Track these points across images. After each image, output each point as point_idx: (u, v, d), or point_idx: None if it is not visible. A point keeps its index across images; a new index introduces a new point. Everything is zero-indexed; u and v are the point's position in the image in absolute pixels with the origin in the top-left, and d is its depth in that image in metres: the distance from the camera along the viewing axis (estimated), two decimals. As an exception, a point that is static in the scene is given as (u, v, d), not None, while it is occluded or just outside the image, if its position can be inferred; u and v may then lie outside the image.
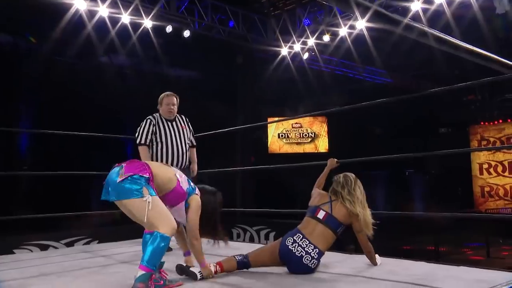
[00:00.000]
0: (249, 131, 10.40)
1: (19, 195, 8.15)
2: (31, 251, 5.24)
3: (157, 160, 3.66)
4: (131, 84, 9.24)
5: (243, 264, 2.62)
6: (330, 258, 2.97)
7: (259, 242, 7.03)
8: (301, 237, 2.60)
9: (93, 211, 6.49)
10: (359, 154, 4.04)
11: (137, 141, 3.68)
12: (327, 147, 12.25)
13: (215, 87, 9.84)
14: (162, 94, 3.76)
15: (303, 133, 12.41)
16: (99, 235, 4.77)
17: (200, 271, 2.46)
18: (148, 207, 2.15)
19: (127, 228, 4.16)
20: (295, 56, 9.04)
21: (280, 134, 12.38)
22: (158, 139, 3.67)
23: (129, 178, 2.19)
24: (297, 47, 8.73)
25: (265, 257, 2.66)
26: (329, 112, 10.07)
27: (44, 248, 5.13)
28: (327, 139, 12.31)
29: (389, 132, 11.45)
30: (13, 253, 4.65)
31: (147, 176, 2.24)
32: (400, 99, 3.79)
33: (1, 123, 5.69)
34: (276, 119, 10.84)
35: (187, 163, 3.78)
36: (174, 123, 3.75)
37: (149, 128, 3.68)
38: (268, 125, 12.07)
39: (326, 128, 12.34)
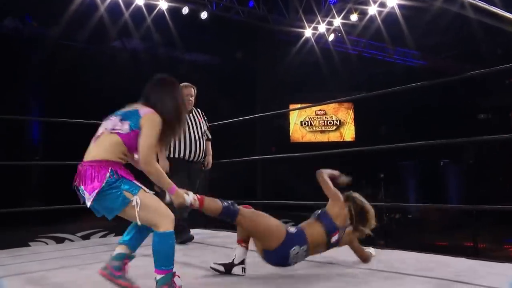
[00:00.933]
0: (269, 119, 10.39)
1: (31, 186, 8.39)
2: (47, 243, 5.41)
3: (173, 153, 3.80)
4: (144, 69, 9.34)
5: (228, 212, 2.40)
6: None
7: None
8: (305, 249, 2.48)
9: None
10: (388, 142, 4.01)
11: None
12: (354, 136, 12.17)
13: (233, 72, 9.85)
14: (181, 85, 3.81)
15: (327, 121, 12.34)
16: (115, 228, 4.90)
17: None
18: (136, 209, 2.02)
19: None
20: (320, 38, 8.95)
21: (303, 122, 12.34)
22: None
23: (100, 194, 2.01)
24: (322, 27, 8.65)
25: (260, 228, 2.43)
26: (356, 98, 9.97)
27: (60, 241, 5.28)
28: (353, 127, 12.21)
29: (422, 118, 11.28)
30: (29, 245, 4.82)
31: (108, 174, 2.02)
32: (435, 83, 3.75)
33: (10, 112, 5.86)
34: (298, 106, 10.76)
35: (203, 155, 3.98)
36: (191, 115, 3.90)
37: None
38: (290, 112, 12.03)
39: (352, 115, 12.24)
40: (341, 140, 12.10)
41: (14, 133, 8.11)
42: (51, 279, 2.57)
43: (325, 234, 2.55)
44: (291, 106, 10.54)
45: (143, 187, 2.09)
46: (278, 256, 2.45)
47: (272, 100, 10.07)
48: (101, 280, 2.13)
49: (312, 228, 2.56)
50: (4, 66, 7.50)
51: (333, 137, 12.26)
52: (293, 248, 2.43)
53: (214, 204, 2.39)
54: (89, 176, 2.03)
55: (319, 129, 12.33)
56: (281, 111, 9.09)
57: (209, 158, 4.11)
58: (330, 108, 12.18)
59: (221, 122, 4.80)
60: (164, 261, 2.05)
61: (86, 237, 4.80)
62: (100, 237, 4.71)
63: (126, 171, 2.12)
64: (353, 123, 12.18)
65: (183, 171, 3.78)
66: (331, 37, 8.86)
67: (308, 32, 8.84)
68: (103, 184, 2.01)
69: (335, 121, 12.26)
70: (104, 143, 2.12)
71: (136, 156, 2.18)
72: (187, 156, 3.83)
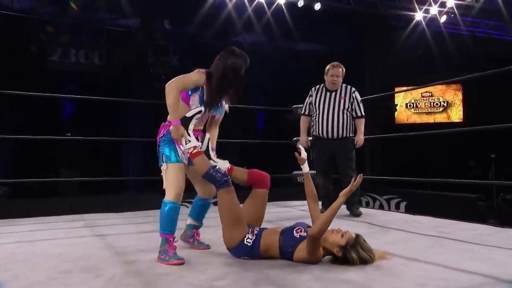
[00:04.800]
0: (376, 102, 9.85)
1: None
2: (187, 206, 5.76)
3: (315, 130, 3.67)
4: (265, 59, 9.43)
5: (210, 178, 2.16)
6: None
7: (389, 210, 6.68)
8: (257, 258, 2.12)
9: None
10: (501, 123, 3.40)
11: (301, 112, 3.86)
12: (462, 117, 10.98)
13: (344, 59, 9.46)
14: (329, 65, 3.67)
15: (434, 102, 11.31)
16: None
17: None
18: (163, 173, 2.19)
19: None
20: (431, 21, 8.12)
21: (408, 104, 11.48)
22: (316, 109, 3.67)
23: (159, 145, 2.26)
24: (433, 10, 7.81)
25: (225, 218, 2.13)
26: (466, 79, 8.92)
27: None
28: (461, 108, 11.01)
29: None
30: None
31: (163, 132, 2.24)
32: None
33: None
34: (404, 88, 10.03)
35: (344, 133, 3.59)
36: (334, 93, 3.62)
37: (308, 100, 3.76)
38: (396, 95, 11.26)
39: (461, 97, 11.03)
40: (448, 121, 11.02)
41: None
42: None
43: (279, 251, 2.08)
44: (397, 89, 9.85)
45: (180, 158, 2.19)
46: (231, 253, 2.18)
47: (379, 83, 9.50)
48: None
49: (270, 239, 2.10)
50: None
51: (440, 118, 11.22)
52: (243, 257, 2.13)
53: (202, 165, 2.17)
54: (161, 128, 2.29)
55: (425, 111, 11.37)
56: (386, 93, 8.52)
57: (359, 136, 3.63)
58: (437, 90, 11.12)
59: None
60: (162, 225, 2.13)
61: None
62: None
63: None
64: (461, 105, 10.99)
65: (321, 148, 3.67)
66: (443, 19, 7.98)
67: (419, 15, 8.07)
68: (162, 136, 2.23)
69: (442, 103, 11.19)
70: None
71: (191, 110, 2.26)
72: (322, 133, 3.61)
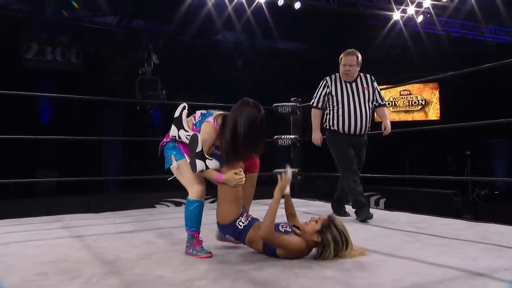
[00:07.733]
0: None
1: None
2: (168, 206, 5.76)
3: (332, 125, 3.26)
4: (245, 58, 9.42)
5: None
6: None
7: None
8: (240, 243, 2.22)
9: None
10: (476, 121, 3.48)
11: (311, 103, 3.40)
12: (439, 115, 11.23)
13: (323, 57, 9.56)
14: (343, 53, 3.26)
15: (412, 101, 11.54)
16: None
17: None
18: (175, 171, 2.24)
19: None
20: (408, 21, 8.27)
21: (387, 102, 11.68)
22: (335, 103, 3.24)
23: (162, 148, 2.31)
24: (411, 10, 7.96)
25: (223, 197, 2.18)
26: (442, 77, 9.13)
27: (178, 204, 5.61)
28: (439, 106, 11.27)
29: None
30: (155, 207, 5.18)
31: (165, 142, 2.30)
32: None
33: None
34: (384, 86, 10.18)
35: (368, 128, 3.28)
36: (354, 84, 3.24)
37: (322, 91, 3.31)
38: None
39: (438, 95, 11.29)
40: (426, 119, 11.26)
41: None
42: (177, 235, 2.68)
43: (263, 247, 2.13)
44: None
45: (187, 158, 2.19)
46: (219, 229, 2.27)
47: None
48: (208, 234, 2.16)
49: (256, 234, 2.12)
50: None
51: (418, 116, 11.45)
52: (227, 236, 2.21)
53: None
54: (166, 135, 2.34)
55: (403, 109, 11.58)
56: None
57: (386, 122, 3.28)
58: (415, 88, 11.36)
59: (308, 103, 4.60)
60: (187, 222, 2.19)
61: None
62: (209, 202, 4.89)
63: (185, 147, 2.25)
64: (438, 103, 11.25)
65: (344, 144, 3.23)
66: (420, 19, 8.14)
67: (396, 15, 8.22)
68: (165, 143, 2.31)
69: (420, 101, 11.43)
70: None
71: None
72: (346, 129, 3.21)
